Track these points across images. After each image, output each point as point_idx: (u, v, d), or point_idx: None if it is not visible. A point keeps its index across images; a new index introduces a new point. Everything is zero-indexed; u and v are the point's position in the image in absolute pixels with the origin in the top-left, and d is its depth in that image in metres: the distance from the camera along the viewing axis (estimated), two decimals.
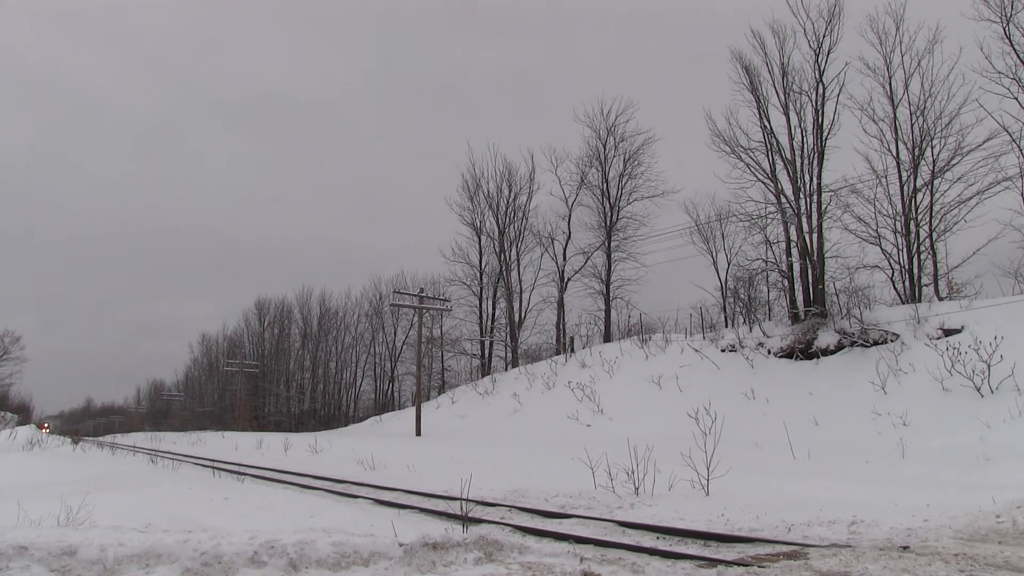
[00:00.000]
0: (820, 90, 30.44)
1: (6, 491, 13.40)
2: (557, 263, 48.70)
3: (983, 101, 26.86)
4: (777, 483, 13.35)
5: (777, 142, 31.52)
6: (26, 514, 9.06)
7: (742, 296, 35.88)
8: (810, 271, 29.56)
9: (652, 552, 8.04)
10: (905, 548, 7.68)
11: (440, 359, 59.88)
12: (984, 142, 27.13)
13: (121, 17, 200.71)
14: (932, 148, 28.79)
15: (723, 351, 30.84)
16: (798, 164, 30.34)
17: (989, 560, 6.98)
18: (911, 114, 29.45)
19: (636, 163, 45.66)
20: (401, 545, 7.16)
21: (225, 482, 17.28)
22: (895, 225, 29.36)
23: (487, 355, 54.04)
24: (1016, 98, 26.09)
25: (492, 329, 53.91)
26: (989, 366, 19.80)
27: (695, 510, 11.08)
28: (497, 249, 52.13)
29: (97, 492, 12.10)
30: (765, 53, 32.05)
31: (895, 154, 29.62)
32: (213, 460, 25.29)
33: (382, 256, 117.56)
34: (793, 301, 30.60)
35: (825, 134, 30.24)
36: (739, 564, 7.16)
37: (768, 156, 31.70)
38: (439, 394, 52.69)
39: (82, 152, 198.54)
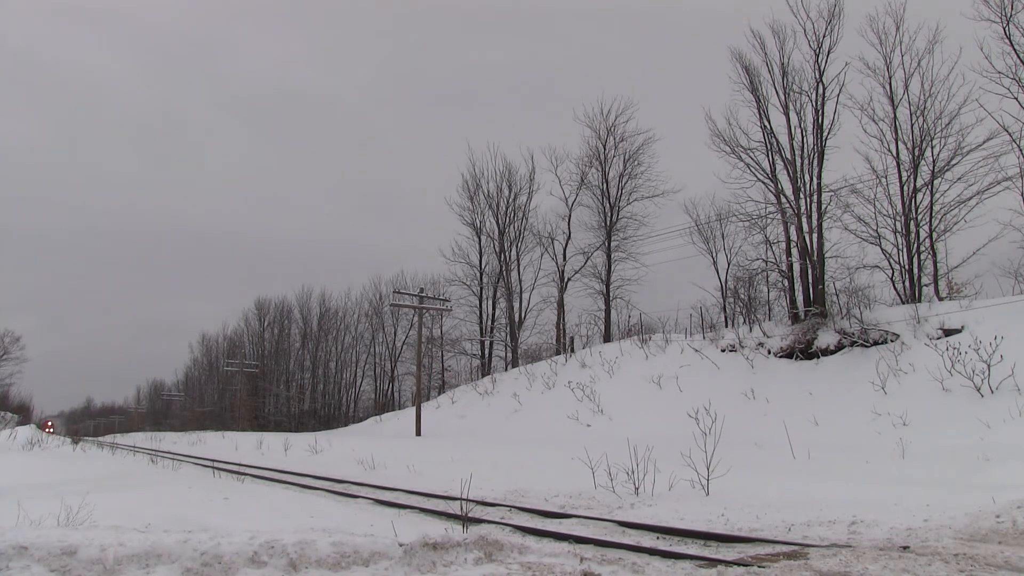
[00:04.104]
0: (820, 90, 30.47)
1: (6, 491, 13.40)
2: (557, 263, 48.76)
3: (983, 101, 26.90)
4: (777, 483, 13.34)
5: (777, 142, 31.55)
6: (26, 514, 9.06)
7: (742, 296, 35.91)
8: (810, 271, 29.55)
9: (652, 552, 8.03)
10: (905, 548, 7.68)
11: (440, 359, 59.91)
12: (984, 142, 27.18)
13: (129, 13, 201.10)
14: (932, 148, 28.83)
15: (723, 351, 30.84)
16: (798, 164, 30.34)
17: (989, 560, 6.98)
18: (911, 114, 29.48)
19: (636, 163, 45.74)
20: (401, 545, 7.16)
21: (225, 482, 17.27)
22: (895, 225, 29.39)
23: (487, 355, 54.04)
24: (1016, 98, 26.11)
25: (492, 329, 53.92)
26: (989, 366, 19.81)
27: (695, 510, 11.07)
28: (497, 249, 52.17)
29: (97, 492, 12.10)
30: (765, 53, 32.10)
31: (895, 154, 29.64)
32: (213, 460, 25.28)
33: (382, 256, 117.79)
34: (793, 301, 30.60)
35: (825, 134, 30.25)
36: (739, 564, 7.16)
37: (768, 156, 31.71)
38: (439, 394, 52.68)
39: (85, 151, 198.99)
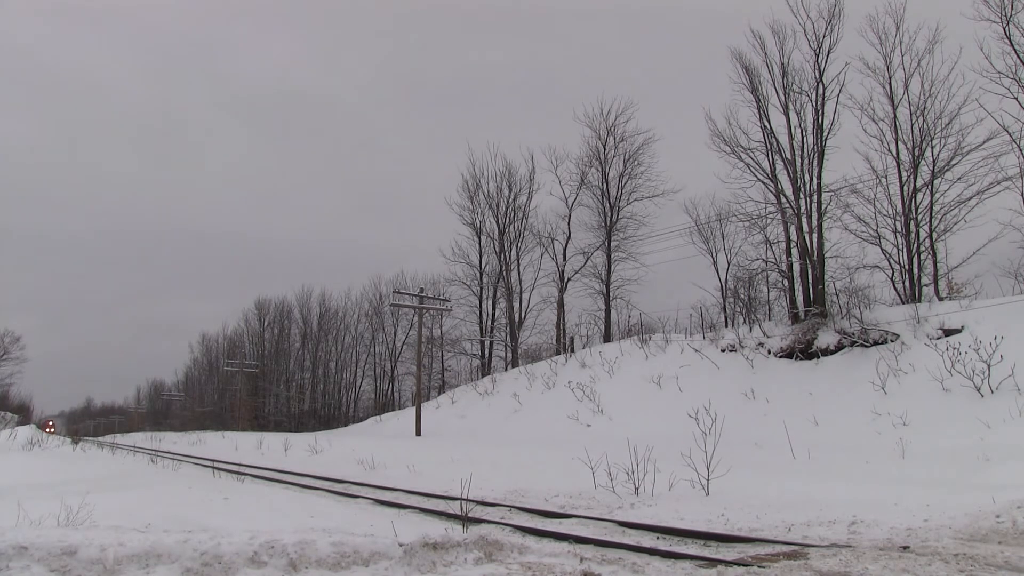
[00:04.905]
0: (820, 90, 30.46)
1: (6, 491, 13.40)
2: (557, 263, 48.76)
3: (983, 101, 26.90)
4: (777, 483, 13.34)
5: (777, 142, 31.55)
6: (26, 514, 9.06)
7: (742, 296, 35.90)
8: (810, 271, 29.55)
9: (652, 552, 8.03)
10: (905, 548, 7.68)
11: (440, 359, 59.90)
12: (984, 142, 27.18)
13: (129, 13, 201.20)
14: (932, 148, 28.83)
15: (723, 351, 30.83)
16: (798, 164, 30.34)
17: (989, 560, 6.98)
18: (911, 114, 29.47)
19: (636, 163, 45.74)
20: (401, 545, 7.16)
21: (225, 482, 17.27)
22: (895, 225, 29.39)
23: (487, 355, 54.03)
24: (1016, 98, 26.10)
25: (492, 329, 53.91)
26: (989, 366, 19.80)
27: (695, 510, 11.07)
28: (497, 249, 52.17)
29: (97, 492, 12.10)
30: (765, 53, 32.10)
31: (895, 154, 29.63)
32: (213, 460, 25.28)
33: (382, 256, 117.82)
34: (793, 301, 30.59)
35: (825, 134, 30.25)
36: (739, 564, 7.16)
37: (768, 156, 31.71)
38: (439, 394, 52.68)
39: (85, 151, 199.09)
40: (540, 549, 7.90)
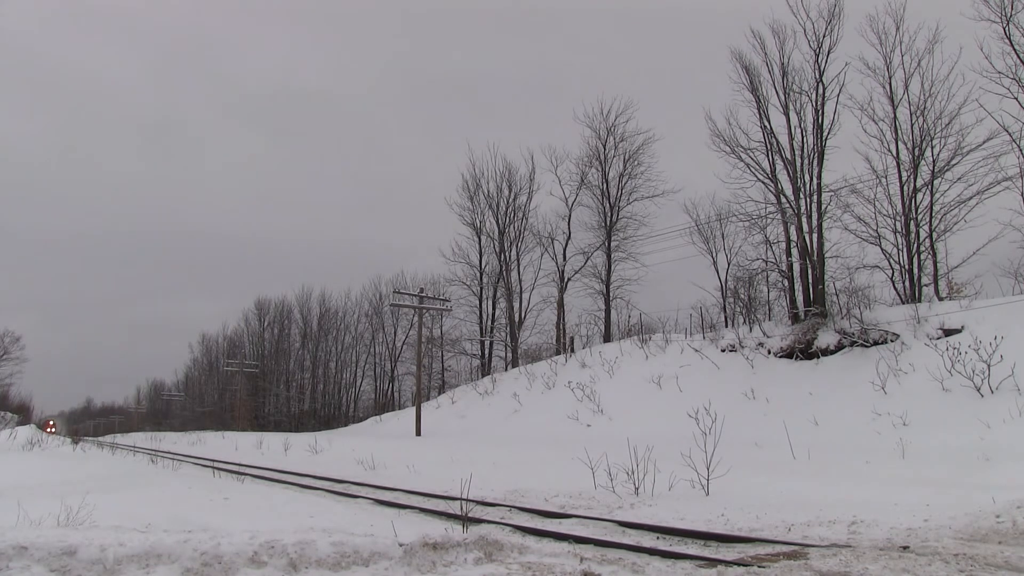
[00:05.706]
0: (820, 90, 30.45)
1: (6, 491, 13.40)
2: (557, 263, 48.76)
3: (983, 101, 26.88)
4: (777, 483, 13.35)
5: (777, 142, 31.54)
6: (26, 514, 9.06)
7: (742, 296, 35.87)
8: (810, 271, 29.55)
9: (652, 552, 8.03)
10: (905, 548, 7.68)
11: (440, 359, 59.89)
12: (984, 142, 27.15)
13: (134, 13, 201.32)
14: (932, 148, 28.80)
15: (723, 351, 30.83)
16: (798, 164, 30.33)
17: (989, 560, 6.98)
18: (911, 114, 29.44)
19: (636, 163, 45.72)
20: (401, 545, 7.16)
21: (225, 482, 17.27)
22: (895, 225, 29.36)
23: (487, 355, 54.03)
24: (1016, 98, 26.09)
25: (492, 329, 53.90)
26: (989, 366, 19.80)
27: (695, 510, 11.07)
28: (497, 249, 52.18)
29: (97, 492, 12.10)
30: (765, 53, 32.09)
31: (895, 154, 29.61)
32: (213, 460, 25.28)
33: (382, 256, 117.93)
34: (793, 301, 30.59)
35: (825, 134, 30.24)
36: (739, 564, 7.16)
37: (768, 156, 31.70)
38: (439, 394, 52.67)
39: (88, 149, 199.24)
40: (540, 549, 7.90)
